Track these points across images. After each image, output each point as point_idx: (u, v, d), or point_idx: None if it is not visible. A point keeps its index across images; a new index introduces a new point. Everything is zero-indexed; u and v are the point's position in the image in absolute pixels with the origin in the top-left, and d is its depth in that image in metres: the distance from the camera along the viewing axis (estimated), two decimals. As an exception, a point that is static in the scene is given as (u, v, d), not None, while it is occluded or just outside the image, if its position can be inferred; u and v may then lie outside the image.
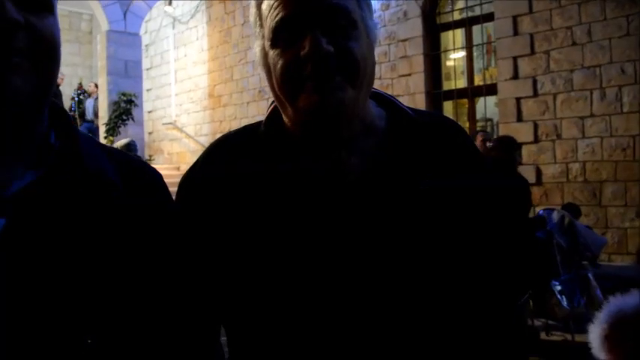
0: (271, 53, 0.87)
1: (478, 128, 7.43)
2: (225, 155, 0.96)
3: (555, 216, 4.75)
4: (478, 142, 5.66)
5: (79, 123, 11.37)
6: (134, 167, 0.89)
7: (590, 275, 4.46)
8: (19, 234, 0.69)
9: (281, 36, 0.85)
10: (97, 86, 11.25)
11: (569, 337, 4.44)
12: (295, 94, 0.85)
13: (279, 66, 0.86)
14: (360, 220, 0.86)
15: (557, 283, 4.45)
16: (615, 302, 0.89)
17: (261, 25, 0.90)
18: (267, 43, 0.88)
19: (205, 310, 0.92)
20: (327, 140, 0.89)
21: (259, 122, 0.98)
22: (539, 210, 5.45)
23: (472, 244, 0.89)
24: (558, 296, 4.41)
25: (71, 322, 0.71)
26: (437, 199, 0.88)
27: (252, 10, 0.92)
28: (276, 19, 0.85)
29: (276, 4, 0.86)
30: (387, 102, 0.99)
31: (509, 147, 4.54)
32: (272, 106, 0.98)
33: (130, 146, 5.68)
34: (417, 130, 0.93)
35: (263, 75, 0.94)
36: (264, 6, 0.88)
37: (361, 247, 0.85)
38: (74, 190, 0.76)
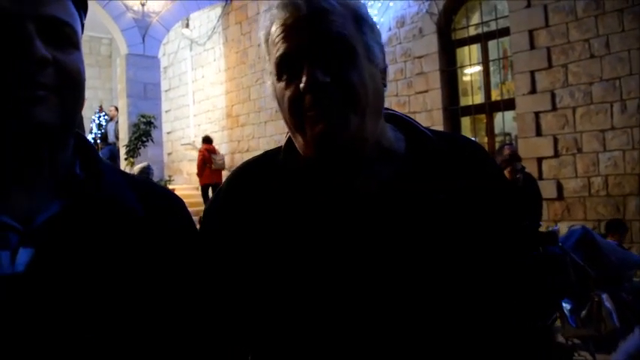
0: (278, 86, 0.90)
1: (497, 143, 7.38)
2: (246, 184, 0.98)
3: (577, 232, 4.66)
4: (505, 155, 5.58)
5: (101, 146, 11.56)
6: (157, 195, 0.91)
7: (603, 297, 4.33)
8: (46, 263, 0.71)
9: (283, 70, 0.88)
10: (117, 109, 11.45)
11: (589, 357, 4.34)
12: (301, 126, 0.88)
13: (284, 99, 0.88)
14: (382, 243, 0.86)
15: (568, 302, 4.35)
16: (637, 338, 0.83)
17: (269, 60, 0.92)
18: (274, 77, 0.91)
19: (229, 334, 0.93)
20: (342, 167, 0.90)
21: (278, 148, 1.00)
22: (555, 226, 5.37)
23: (489, 265, 0.89)
24: (567, 315, 4.30)
25: (97, 348, 0.72)
26: (458, 222, 0.88)
27: (262, 46, 0.95)
28: (277, 54, 0.88)
29: (277, 39, 0.88)
30: (406, 124, 0.99)
31: (511, 159, 4.55)
32: (289, 134, 0.99)
33: (144, 169, 5.80)
34: (437, 152, 0.94)
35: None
36: (271, 38, 0.91)
37: (385, 270, 0.85)
38: (98, 220, 0.77)
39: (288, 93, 0.87)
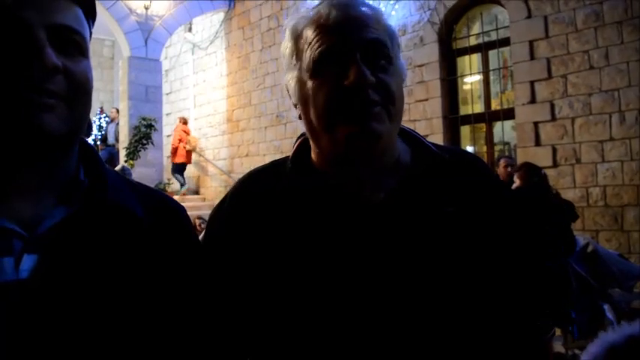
0: (310, 84, 0.89)
1: (496, 152, 7.40)
2: (253, 192, 0.98)
3: (579, 243, 4.66)
4: (501, 167, 5.61)
5: (101, 147, 11.57)
6: (159, 202, 0.91)
7: (605, 307, 4.33)
8: (50, 269, 0.71)
9: (323, 67, 0.87)
10: (118, 111, 11.50)
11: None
12: (334, 124, 0.87)
13: (319, 96, 0.87)
14: (388, 252, 0.87)
15: (570, 312, 4.35)
16: (604, 339, 0.80)
17: (299, 57, 0.92)
18: (306, 74, 0.90)
19: (231, 339, 0.93)
20: (358, 172, 0.91)
21: (286, 157, 1.00)
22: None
23: (494, 276, 0.90)
24: (570, 326, 4.31)
25: (100, 354, 0.72)
26: (461, 233, 0.89)
27: (288, 44, 0.95)
28: (319, 49, 0.87)
29: (318, 37, 0.88)
30: (412, 138, 1.00)
31: (535, 172, 4.55)
32: (298, 143, 1.00)
33: (120, 171, 5.90)
34: (441, 166, 0.95)
35: (282, 103, 0.96)
36: (305, 38, 0.90)
37: (390, 280, 0.86)
38: (103, 226, 0.78)
39: (325, 89, 0.87)
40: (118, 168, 6.18)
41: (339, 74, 0.86)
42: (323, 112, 0.87)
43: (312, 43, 0.88)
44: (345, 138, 0.86)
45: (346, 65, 0.85)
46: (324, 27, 0.88)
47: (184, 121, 11.32)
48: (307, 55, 0.89)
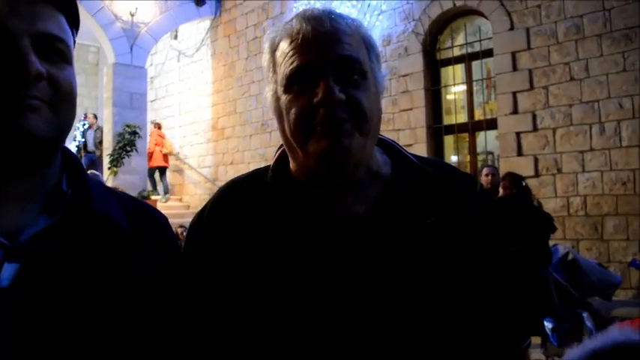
0: (284, 98, 0.90)
1: (479, 162, 7.48)
2: (233, 202, 0.97)
3: (560, 252, 4.72)
4: (484, 176, 5.67)
5: (82, 154, 11.46)
6: (142, 211, 0.92)
7: (584, 315, 4.38)
8: (31, 278, 0.71)
9: (295, 82, 0.88)
10: (96, 117, 11.61)
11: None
12: (306, 139, 0.88)
13: (292, 111, 0.88)
14: (368, 265, 0.87)
15: (551, 321, 4.39)
16: (568, 357, 0.81)
17: (275, 71, 0.92)
18: (280, 89, 0.90)
19: (211, 352, 0.92)
20: (335, 185, 0.91)
21: (268, 167, 1.00)
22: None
23: (477, 288, 0.90)
24: (550, 334, 4.34)
25: None
26: (442, 244, 0.89)
27: (266, 56, 0.95)
28: (292, 66, 0.88)
29: (291, 52, 0.88)
30: (393, 150, 1.01)
31: (515, 182, 4.61)
32: (279, 153, 1.00)
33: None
34: (421, 177, 0.96)
35: (266, 112, 0.96)
36: (279, 53, 0.91)
37: (371, 293, 0.85)
38: (86, 236, 0.77)
39: (297, 105, 0.87)
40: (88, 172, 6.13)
41: (310, 91, 0.86)
42: (294, 128, 0.88)
43: (286, 58, 0.89)
44: (315, 154, 0.87)
45: (317, 82, 0.86)
46: (296, 42, 0.88)
47: (159, 126, 11.54)
48: (281, 69, 0.90)
